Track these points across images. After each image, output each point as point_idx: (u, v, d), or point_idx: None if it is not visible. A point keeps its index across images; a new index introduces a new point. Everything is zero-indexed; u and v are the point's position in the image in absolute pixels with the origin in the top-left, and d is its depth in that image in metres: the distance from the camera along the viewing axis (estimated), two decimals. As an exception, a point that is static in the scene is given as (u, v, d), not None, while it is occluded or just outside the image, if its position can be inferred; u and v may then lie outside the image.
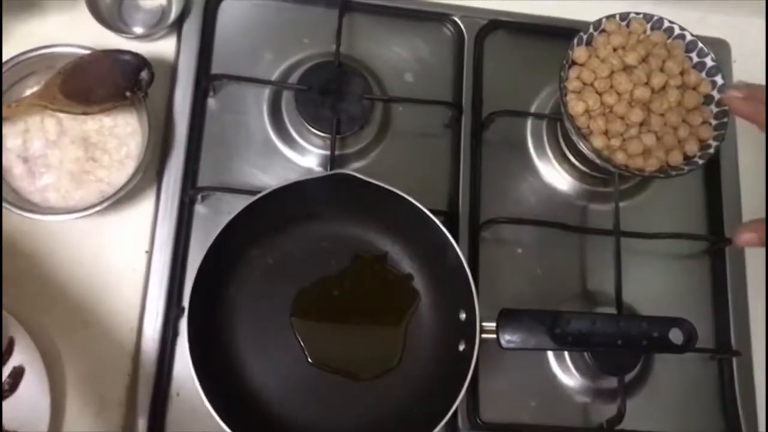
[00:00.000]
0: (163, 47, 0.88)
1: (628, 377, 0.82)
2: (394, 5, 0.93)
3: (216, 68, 0.88)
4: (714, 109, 0.82)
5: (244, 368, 0.77)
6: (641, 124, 0.81)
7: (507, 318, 0.71)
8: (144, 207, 0.83)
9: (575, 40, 0.83)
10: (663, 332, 0.71)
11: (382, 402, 0.76)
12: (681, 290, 0.90)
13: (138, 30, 0.89)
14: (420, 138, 0.91)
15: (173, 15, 0.87)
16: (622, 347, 0.71)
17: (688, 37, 0.84)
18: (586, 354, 0.80)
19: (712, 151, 0.80)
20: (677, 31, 0.84)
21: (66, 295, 0.79)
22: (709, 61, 0.82)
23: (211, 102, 0.88)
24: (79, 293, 0.80)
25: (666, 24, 0.84)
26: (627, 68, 0.81)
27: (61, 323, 0.78)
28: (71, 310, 0.79)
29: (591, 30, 0.83)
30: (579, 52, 0.83)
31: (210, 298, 0.75)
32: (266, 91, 0.88)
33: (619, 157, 0.80)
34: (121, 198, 0.78)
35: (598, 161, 0.81)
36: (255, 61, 0.89)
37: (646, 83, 0.81)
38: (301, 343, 0.78)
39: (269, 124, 0.87)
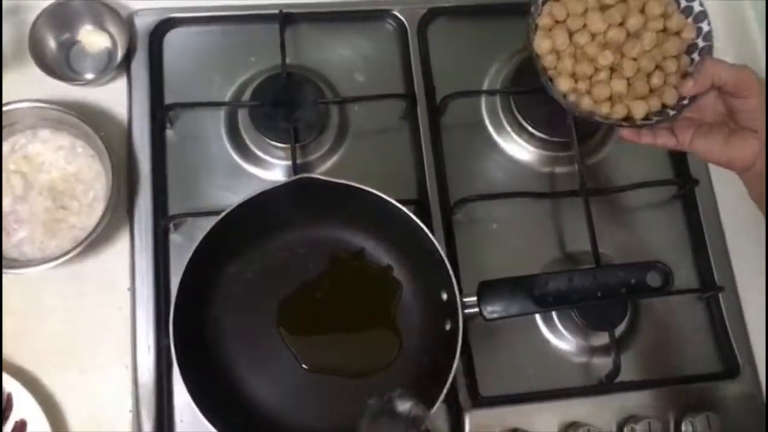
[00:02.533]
0: (116, 88, 0.89)
1: (619, 330, 0.83)
2: (332, 10, 0.95)
3: (169, 99, 0.89)
4: (697, 58, 0.76)
5: (242, 386, 0.78)
6: (612, 69, 0.76)
7: (486, 290, 0.72)
8: (120, 245, 0.84)
9: None
10: (640, 277, 0.73)
11: (380, 394, 0.77)
12: (658, 238, 0.91)
13: (88, 76, 0.90)
14: (380, 134, 0.92)
15: (120, 55, 0.88)
16: (602, 298, 0.72)
17: None
18: (573, 313, 0.82)
19: (686, 102, 0.74)
20: None
21: (57, 343, 0.80)
22: (696, 6, 0.77)
23: (170, 133, 0.89)
24: (70, 340, 0.81)
25: None
26: (603, 6, 0.76)
27: (56, 372, 0.79)
28: (64, 357, 0.80)
29: None
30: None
31: (194, 323, 0.76)
32: (222, 113, 0.90)
33: (585, 102, 0.75)
34: (96, 240, 0.79)
35: (563, 104, 0.76)
36: (206, 86, 0.91)
37: (621, 24, 0.75)
38: (293, 351, 0.79)
39: (229, 145, 0.89)
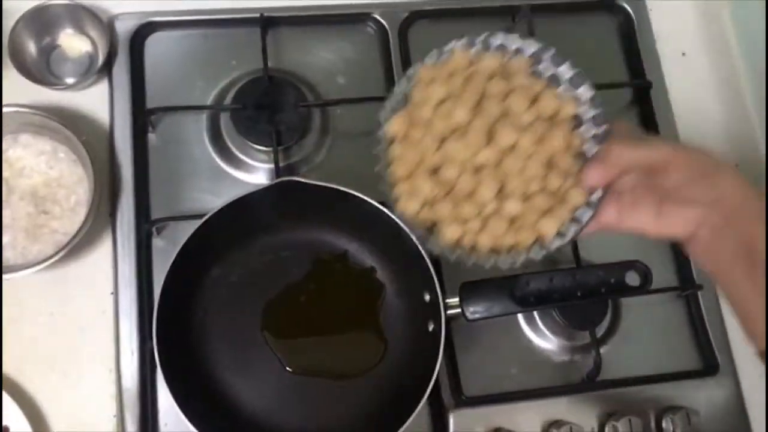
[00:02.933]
0: (97, 92, 0.89)
1: (600, 330, 0.84)
2: (313, 13, 0.95)
3: (150, 103, 0.89)
4: (593, 128, 0.62)
5: (227, 389, 0.78)
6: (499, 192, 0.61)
7: (468, 290, 0.73)
8: (103, 250, 0.84)
9: (385, 107, 0.66)
10: (619, 277, 0.74)
11: (365, 396, 0.78)
12: (638, 237, 0.91)
13: (69, 80, 0.90)
14: (362, 136, 0.92)
15: (101, 59, 0.88)
16: (582, 298, 0.72)
17: (529, 49, 0.63)
18: (555, 313, 0.82)
19: (599, 195, 0.61)
20: (512, 45, 0.63)
21: (39, 348, 0.80)
22: (566, 70, 0.62)
23: (152, 137, 0.89)
24: (52, 344, 0.80)
25: (497, 41, 0.63)
26: (458, 129, 0.61)
27: (39, 377, 0.79)
28: (47, 362, 0.80)
29: (403, 85, 0.66)
30: (395, 125, 0.64)
31: (178, 326, 0.76)
32: (204, 117, 0.90)
33: (484, 242, 0.63)
34: (79, 245, 0.79)
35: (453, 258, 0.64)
36: (188, 90, 0.91)
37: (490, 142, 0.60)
38: (277, 354, 0.79)
39: (212, 149, 0.89)
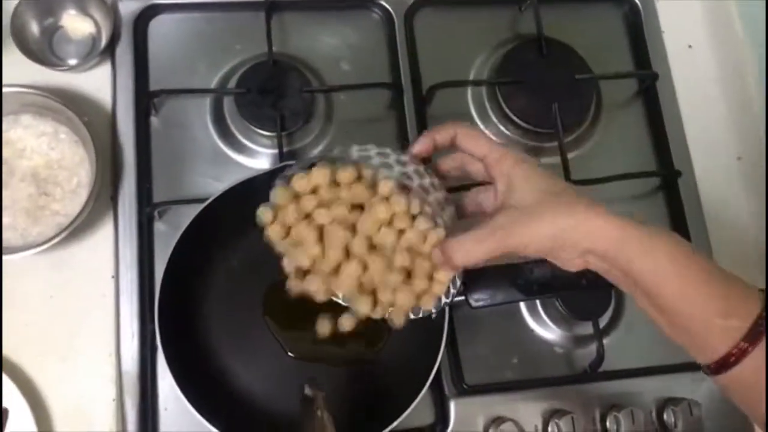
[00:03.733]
0: (99, 74, 0.88)
1: (603, 320, 0.84)
2: (319, -2, 0.94)
3: (153, 86, 0.88)
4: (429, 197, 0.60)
5: (228, 372, 0.78)
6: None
7: (472, 278, 0.72)
8: (104, 233, 0.83)
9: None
10: (624, 266, 0.73)
11: (367, 382, 0.77)
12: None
13: (71, 62, 0.89)
14: (366, 123, 0.92)
15: (104, 40, 0.87)
16: (587, 287, 0.72)
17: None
18: (558, 303, 0.82)
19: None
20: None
21: (39, 331, 0.79)
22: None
23: (155, 120, 0.88)
24: (52, 327, 0.80)
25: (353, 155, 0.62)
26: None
27: (39, 360, 0.78)
28: (46, 345, 0.79)
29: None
30: (271, 233, 0.63)
31: (180, 310, 0.76)
32: (207, 101, 0.89)
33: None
34: (80, 227, 0.79)
35: None
36: (192, 74, 0.90)
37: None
38: (278, 340, 0.79)
39: (215, 133, 0.88)
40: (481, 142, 0.61)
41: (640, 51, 0.98)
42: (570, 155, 0.89)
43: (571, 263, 0.57)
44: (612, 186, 0.89)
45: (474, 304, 0.72)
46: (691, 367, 0.85)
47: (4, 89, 0.81)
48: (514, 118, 0.90)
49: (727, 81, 0.98)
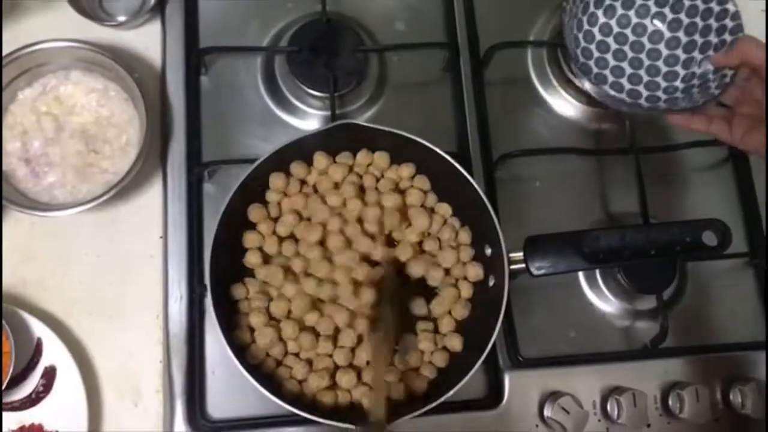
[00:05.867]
0: (149, 31, 0.87)
1: (667, 294, 0.80)
2: (374, -44, 0.91)
3: (204, 44, 0.86)
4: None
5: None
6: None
7: (534, 245, 0.69)
8: (153, 192, 0.82)
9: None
10: (695, 235, 0.69)
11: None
12: (708, 200, 0.87)
13: (121, 18, 0.87)
14: (420, 86, 0.89)
15: (154, -2, 0.85)
16: (655, 257, 0.68)
17: None
18: (620, 276, 0.79)
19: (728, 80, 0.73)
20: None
21: (87, 290, 0.79)
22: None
23: (204, 80, 0.86)
24: (100, 287, 0.79)
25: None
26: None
27: (86, 319, 0.78)
28: (94, 305, 0.78)
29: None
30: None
31: (230, 273, 0.74)
32: (258, 60, 0.87)
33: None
34: (129, 186, 0.77)
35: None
36: (243, 32, 0.88)
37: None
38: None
39: (265, 93, 0.86)
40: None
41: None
42: (636, 120, 0.85)
43: None
44: (677, 155, 0.85)
45: (535, 272, 0.69)
46: (756, 346, 0.82)
47: (55, 44, 0.80)
48: (577, 82, 0.86)
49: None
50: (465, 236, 0.75)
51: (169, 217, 0.80)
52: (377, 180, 0.76)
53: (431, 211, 0.76)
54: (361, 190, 0.75)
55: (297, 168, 0.75)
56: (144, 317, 0.78)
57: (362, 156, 0.76)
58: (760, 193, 0.86)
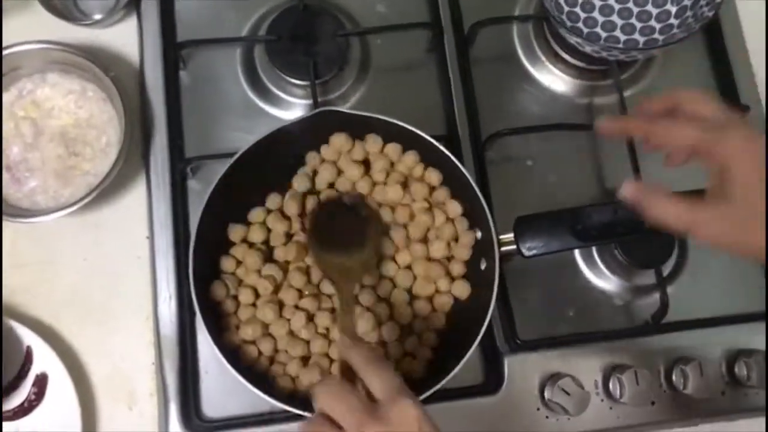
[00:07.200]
0: (125, 29, 0.85)
1: (666, 268, 0.78)
2: (350, -64, 0.88)
3: (182, 38, 0.84)
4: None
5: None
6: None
7: (524, 225, 0.67)
8: (136, 192, 0.80)
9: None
10: (691, 208, 0.67)
11: (418, 335, 0.73)
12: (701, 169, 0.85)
13: (96, 16, 0.85)
14: (405, 69, 0.87)
15: (128, -7, 0.84)
16: (650, 232, 0.66)
17: None
18: (617, 252, 0.76)
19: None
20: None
21: (75, 295, 0.77)
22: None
23: (184, 75, 0.84)
24: (88, 291, 0.78)
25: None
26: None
27: (75, 324, 0.77)
28: (83, 309, 0.77)
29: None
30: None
31: (216, 270, 0.72)
32: (237, 52, 0.85)
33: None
34: (112, 187, 0.76)
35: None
36: (220, 24, 0.86)
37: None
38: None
39: (246, 85, 0.84)
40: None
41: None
42: (626, 93, 0.82)
43: None
44: (672, 125, 0.82)
45: (527, 253, 0.67)
46: (760, 317, 0.79)
47: (29, 47, 0.78)
48: (565, 55, 0.84)
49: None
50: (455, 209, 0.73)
51: (154, 217, 0.78)
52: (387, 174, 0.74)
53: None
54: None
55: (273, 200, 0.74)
56: (134, 319, 0.77)
57: (337, 139, 0.73)
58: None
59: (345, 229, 0.69)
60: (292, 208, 0.72)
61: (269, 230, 0.73)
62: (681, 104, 0.57)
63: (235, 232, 0.72)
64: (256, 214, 0.73)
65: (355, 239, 0.69)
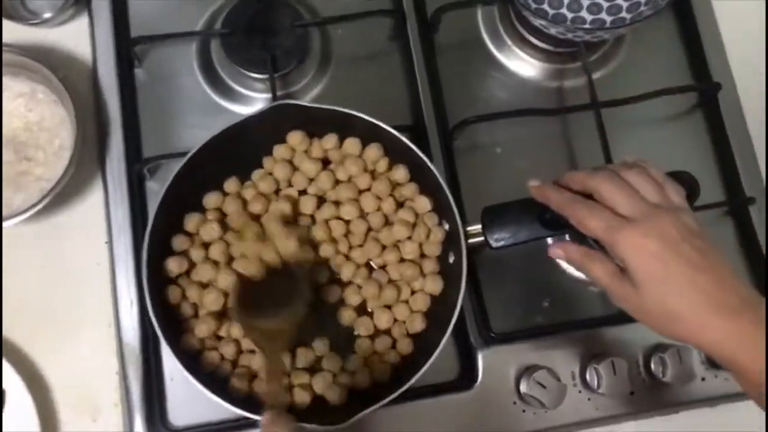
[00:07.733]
0: (77, 26, 0.82)
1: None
2: None
3: (135, 34, 0.81)
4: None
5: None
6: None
7: (491, 215, 0.65)
8: (93, 196, 0.78)
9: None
10: (662, 190, 0.65)
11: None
12: (680, 151, 0.83)
13: (46, 15, 0.82)
14: (367, 58, 0.85)
15: (79, -11, 0.81)
16: (621, 217, 0.64)
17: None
18: (589, 240, 0.74)
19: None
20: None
21: (33, 305, 0.75)
22: None
23: (139, 72, 0.82)
24: (47, 300, 0.75)
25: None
26: None
27: (34, 336, 0.74)
28: (42, 319, 0.74)
29: None
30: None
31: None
32: (193, 47, 0.82)
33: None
34: (68, 191, 0.74)
35: None
36: (175, 19, 0.83)
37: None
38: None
39: (204, 81, 0.82)
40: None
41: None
42: (595, 75, 0.81)
43: None
44: (645, 106, 0.80)
45: (494, 244, 0.64)
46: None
47: (-25, 50, 0.75)
48: (531, 38, 0.82)
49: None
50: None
51: (112, 221, 0.76)
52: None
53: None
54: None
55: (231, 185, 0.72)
56: (96, 328, 0.74)
57: (293, 137, 0.71)
58: (732, 136, 0.81)
59: (273, 290, 0.66)
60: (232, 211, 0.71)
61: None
62: (599, 192, 0.58)
63: (191, 221, 0.70)
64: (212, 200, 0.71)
65: (283, 299, 0.65)
